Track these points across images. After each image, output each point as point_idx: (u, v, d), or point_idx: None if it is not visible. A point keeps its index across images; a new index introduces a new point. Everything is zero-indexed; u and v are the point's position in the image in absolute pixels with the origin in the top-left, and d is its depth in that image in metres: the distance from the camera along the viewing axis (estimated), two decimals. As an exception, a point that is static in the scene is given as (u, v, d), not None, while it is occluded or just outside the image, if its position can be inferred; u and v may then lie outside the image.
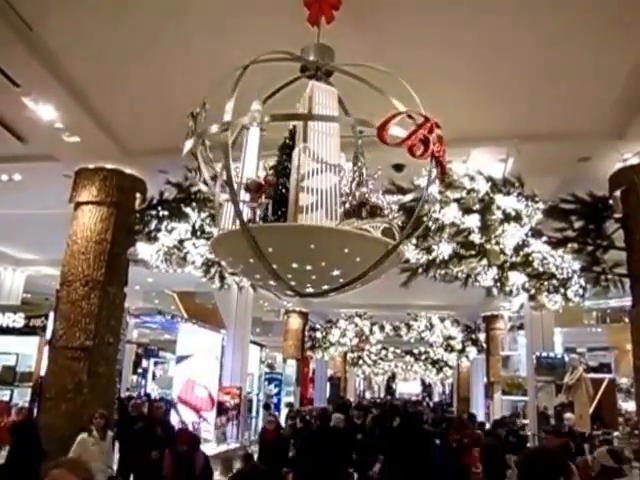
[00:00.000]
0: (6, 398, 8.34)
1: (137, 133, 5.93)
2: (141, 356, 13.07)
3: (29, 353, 8.58)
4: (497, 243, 5.47)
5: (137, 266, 6.74)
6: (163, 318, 11.63)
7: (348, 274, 2.49)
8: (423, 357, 24.12)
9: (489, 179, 5.51)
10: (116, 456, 6.66)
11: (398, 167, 5.67)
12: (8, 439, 5.90)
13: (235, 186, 2.40)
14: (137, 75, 4.85)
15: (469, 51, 4.33)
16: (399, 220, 2.71)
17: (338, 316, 18.68)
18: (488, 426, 10.82)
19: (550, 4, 3.82)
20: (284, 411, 14.23)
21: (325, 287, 2.64)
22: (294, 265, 2.42)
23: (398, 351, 25.43)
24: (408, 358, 25.84)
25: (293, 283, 2.52)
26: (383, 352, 24.93)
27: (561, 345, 11.58)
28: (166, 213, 6.42)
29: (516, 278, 5.82)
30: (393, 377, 39.54)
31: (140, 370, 13.13)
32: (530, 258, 5.69)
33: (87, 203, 6.53)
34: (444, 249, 5.52)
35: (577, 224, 5.70)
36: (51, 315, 7.56)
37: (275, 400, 14.74)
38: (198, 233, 6.26)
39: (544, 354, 10.18)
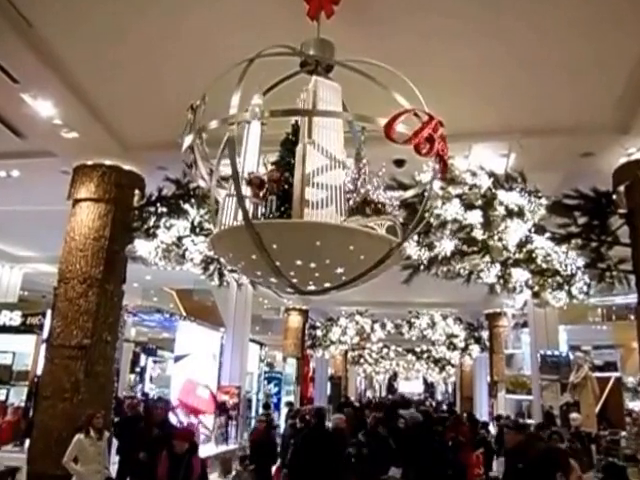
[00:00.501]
0: (2, 397, 8.41)
1: (136, 129, 5.98)
2: (139, 355, 13.11)
3: (26, 352, 8.62)
4: (500, 239, 5.50)
5: (135, 263, 6.79)
6: (162, 316, 11.66)
7: (351, 271, 2.53)
8: (425, 355, 24.19)
9: (491, 174, 5.54)
10: (116, 458, 6.75)
11: (399, 162, 5.72)
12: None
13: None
14: (136, 70, 4.89)
15: (471, 44, 4.36)
16: (400, 217, 2.75)
17: (339, 314, 18.74)
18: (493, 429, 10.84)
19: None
20: (284, 410, 14.30)
21: (327, 285, 2.67)
22: (298, 262, 2.44)
23: (400, 349, 25.52)
24: (410, 357, 25.89)
25: (295, 280, 2.56)
26: (384, 350, 25.03)
27: (566, 343, 11.60)
28: (165, 210, 6.48)
29: (519, 275, 5.85)
30: (395, 376, 39.66)
31: (138, 369, 13.18)
32: (533, 254, 5.71)
33: (85, 200, 6.56)
34: (446, 245, 5.56)
35: (581, 220, 5.73)
36: (48, 313, 7.61)
37: (275, 399, 14.80)
38: (197, 230, 6.31)
39: (548, 352, 10.22)
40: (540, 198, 5.49)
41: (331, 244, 2.41)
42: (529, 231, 5.62)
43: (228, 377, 11.24)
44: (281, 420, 13.95)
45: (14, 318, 8.81)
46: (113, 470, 6.39)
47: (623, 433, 9.35)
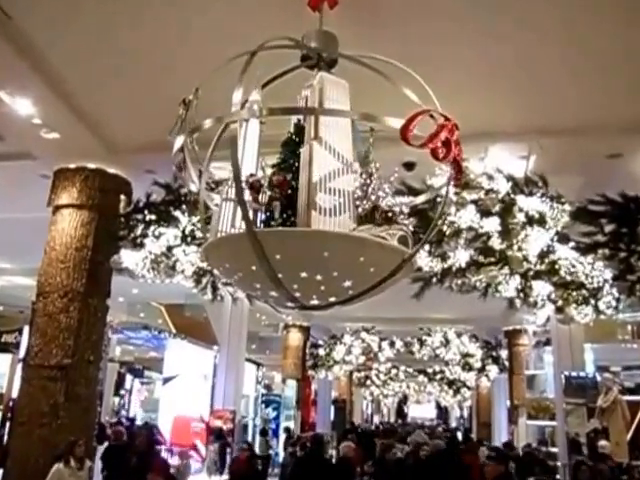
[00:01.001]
0: (-26, 423, 8.43)
1: (122, 129, 6.02)
2: (124, 376, 13.10)
3: (0, 372, 8.64)
4: (519, 249, 5.49)
5: (121, 276, 6.79)
6: (149, 333, 11.68)
7: (359, 285, 2.52)
8: (438, 377, 24.05)
9: (510, 178, 5.54)
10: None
11: (409, 165, 5.74)
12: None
13: (233, 185, 2.42)
14: (122, 67, 4.93)
15: (487, 40, 4.39)
16: (410, 225, 2.75)
17: (343, 331, 18.67)
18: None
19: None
20: (282, 437, 14.23)
21: (332, 299, 2.66)
22: (303, 274, 2.41)
23: (410, 370, 25.42)
24: (421, 378, 25.79)
25: (298, 294, 2.55)
26: (393, 371, 24.91)
27: (592, 363, 11.55)
28: (153, 217, 6.48)
29: (541, 288, 5.83)
30: (405, 399, 39.45)
31: (123, 392, 13.17)
32: (556, 266, 5.70)
33: (67, 206, 6.61)
34: (461, 256, 5.55)
35: (608, 228, 5.72)
36: (26, 330, 7.63)
37: (273, 425, 14.74)
38: (189, 239, 6.31)
39: (573, 373, 10.15)
40: (563, 204, 5.49)
41: (340, 255, 2.39)
42: (551, 240, 5.61)
43: (222, 400, 11.16)
44: (280, 448, 13.88)
45: (-13, 335, 8.84)
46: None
47: (658, 463, 9.25)
